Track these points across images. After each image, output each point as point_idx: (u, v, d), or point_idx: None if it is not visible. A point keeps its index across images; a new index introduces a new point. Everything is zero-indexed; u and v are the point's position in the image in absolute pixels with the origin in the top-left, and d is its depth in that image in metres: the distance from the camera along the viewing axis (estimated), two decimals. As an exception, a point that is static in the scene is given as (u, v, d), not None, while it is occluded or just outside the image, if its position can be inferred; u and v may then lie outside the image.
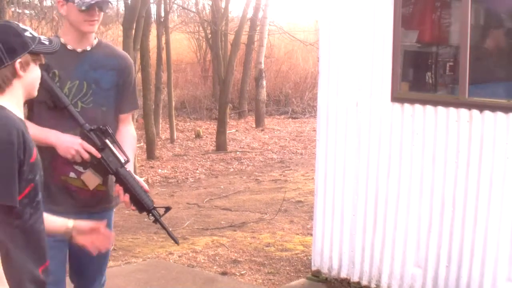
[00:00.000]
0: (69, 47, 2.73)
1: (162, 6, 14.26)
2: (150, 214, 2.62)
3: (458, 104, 4.07)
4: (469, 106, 4.02)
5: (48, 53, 2.03)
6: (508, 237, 3.89)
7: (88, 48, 2.77)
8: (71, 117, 2.68)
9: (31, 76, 2.00)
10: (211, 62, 17.23)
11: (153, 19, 14.21)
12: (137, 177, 2.67)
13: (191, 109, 16.87)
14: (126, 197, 2.62)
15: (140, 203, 2.60)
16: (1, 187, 1.81)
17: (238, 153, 12.26)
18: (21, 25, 1.99)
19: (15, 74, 1.94)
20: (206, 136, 14.11)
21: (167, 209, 2.64)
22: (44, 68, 2.47)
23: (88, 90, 2.73)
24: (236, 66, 14.30)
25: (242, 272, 5.21)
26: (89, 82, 2.73)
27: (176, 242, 2.72)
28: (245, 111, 16.49)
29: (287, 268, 5.30)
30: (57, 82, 2.67)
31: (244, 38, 14.83)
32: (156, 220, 2.59)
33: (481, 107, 3.97)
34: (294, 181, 9.34)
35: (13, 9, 12.87)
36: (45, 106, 2.67)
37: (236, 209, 7.66)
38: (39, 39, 1.99)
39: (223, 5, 14.44)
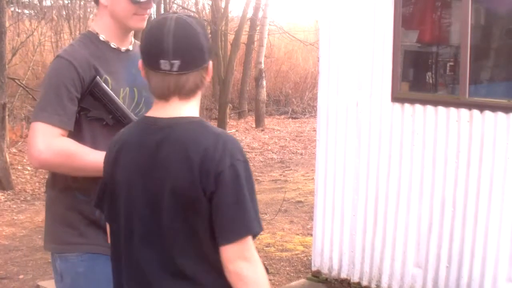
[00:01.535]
0: (113, 45, 2.23)
1: (162, 6, 14.25)
2: None
3: (458, 104, 4.07)
4: (470, 106, 4.01)
5: None
6: (508, 237, 3.88)
7: (131, 48, 2.29)
8: None
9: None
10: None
11: (152, 19, 14.19)
12: None
13: (191, 108, 16.85)
14: None
15: None
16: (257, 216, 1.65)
17: (238, 153, 12.24)
18: None
19: (206, 78, 1.71)
20: (206, 136, 14.08)
21: None
22: (94, 73, 2.13)
23: (140, 98, 2.27)
24: (236, 66, 14.29)
25: (242, 273, 5.20)
26: (139, 88, 2.25)
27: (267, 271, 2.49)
28: (245, 111, 16.47)
29: (287, 268, 5.29)
30: (111, 91, 2.17)
31: (244, 38, 14.82)
32: None
33: (482, 107, 3.96)
34: (294, 181, 9.33)
35: (12, 8, 12.86)
36: (100, 125, 2.15)
37: (236, 209, 7.64)
38: None
39: (223, 5, 14.43)
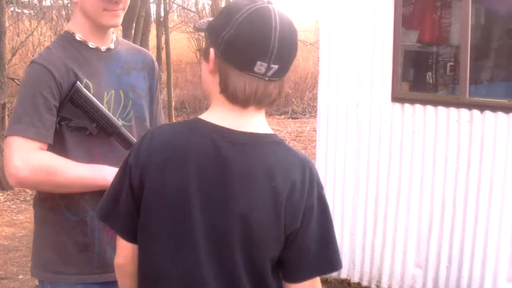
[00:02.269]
0: (91, 45, 1.99)
1: (162, 5, 14.25)
2: None
3: (458, 104, 4.06)
4: (470, 106, 4.00)
5: None
6: (508, 238, 3.88)
7: (112, 46, 2.05)
8: (121, 143, 1.97)
9: None
10: (211, 62, 17.16)
11: (152, 19, 14.22)
12: None
13: (191, 109, 16.85)
14: None
15: None
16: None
17: (238, 153, 12.23)
18: None
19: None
20: (206, 136, 14.06)
21: None
22: (73, 78, 1.91)
23: (127, 100, 2.03)
24: (236, 66, 14.23)
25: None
26: (125, 90, 2.03)
27: None
28: (245, 111, 16.45)
29: (287, 268, 5.28)
30: (94, 96, 1.94)
31: (244, 38, 14.78)
32: None
33: (482, 107, 3.95)
34: (294, 181, 9.31)
35: (12, 8, 12.86)
36: (83, 134, 1.93)
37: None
38: None
39: (222, 4, 14.42)
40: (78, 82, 1.91)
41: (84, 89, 1.90)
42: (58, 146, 1.89)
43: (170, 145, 1.40)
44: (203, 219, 1.38)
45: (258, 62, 1.34)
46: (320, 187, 1.42)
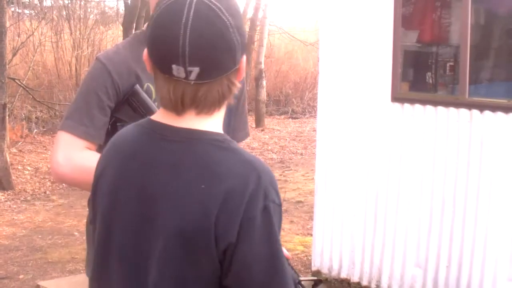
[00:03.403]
0: None
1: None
2: None
3: (458, 104, 4.06)
4: (469, 106, 4.01)
5: None
6: (508, 237, 3.87)
7: None
8: None
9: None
10: (211, 62, 17.13)
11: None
12: None
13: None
14: None
15: None
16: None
17: (238, 153, 12.23)
18: None
19: (235, 83, 1.24)
20: (206, 136, 14.05)
21: (317, 283, 1.89)
22: (134, 80, 1.84)
23: None
24: (236, 66, 14.22)
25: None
26: None
27: None
28: (245, 111, 16.43)
29: (287, 268, 5.28)
30: (155, 101, 1.85)
31: (244, 38, 14.78)
32: None
33: (482, 107, 3.95)
34: (294, 181, 9.32)
35: (12, 9, 12.87)
36: None
37: (236, 209, 7.62)
38: None
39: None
40: (137, 85, 1.85)
41: (143, 93, 1.83)
42: None
43: (115, 150, 1.30)
44: (122, 233, 1.24)
45: (174, 66, 1.17)
46: (268, 199, 1.18)
